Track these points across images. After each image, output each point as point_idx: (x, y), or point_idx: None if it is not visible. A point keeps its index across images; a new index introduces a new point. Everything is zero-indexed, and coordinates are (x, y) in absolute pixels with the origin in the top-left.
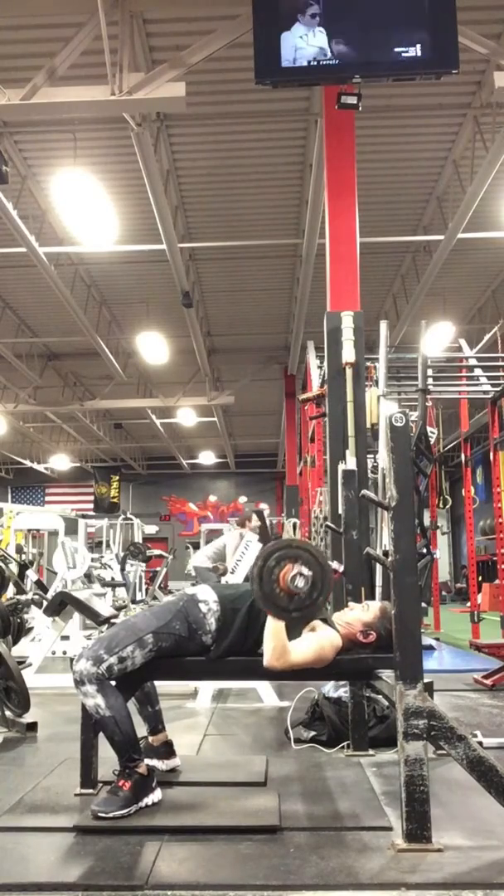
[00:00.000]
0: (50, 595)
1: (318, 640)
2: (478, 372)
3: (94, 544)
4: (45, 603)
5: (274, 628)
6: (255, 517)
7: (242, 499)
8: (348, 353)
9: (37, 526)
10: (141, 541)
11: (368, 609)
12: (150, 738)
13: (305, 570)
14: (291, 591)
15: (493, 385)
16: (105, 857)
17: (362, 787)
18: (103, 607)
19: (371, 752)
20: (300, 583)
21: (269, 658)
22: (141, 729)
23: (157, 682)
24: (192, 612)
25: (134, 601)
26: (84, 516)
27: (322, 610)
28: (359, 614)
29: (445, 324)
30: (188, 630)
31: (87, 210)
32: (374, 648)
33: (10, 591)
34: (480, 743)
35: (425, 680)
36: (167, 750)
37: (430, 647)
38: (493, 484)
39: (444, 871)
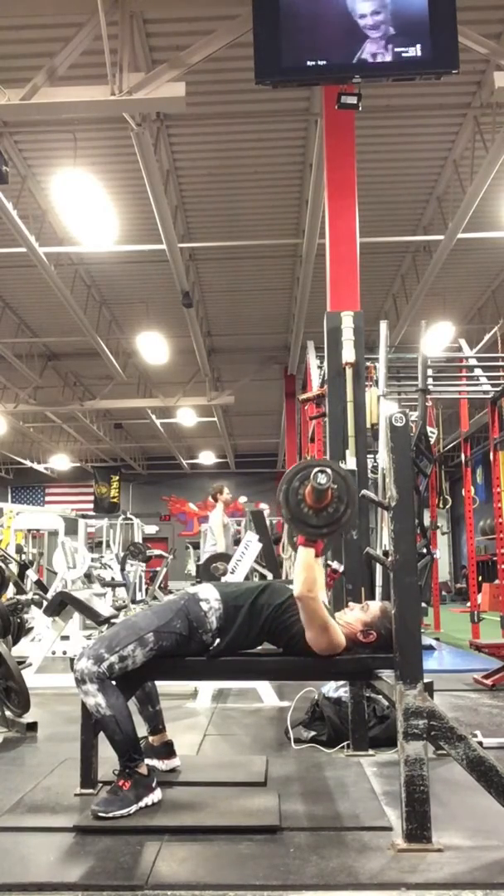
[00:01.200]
0: (50, 595)
1: (334, 622)
2: (478, 372)
3: (94, 544)
4: (45, 603)
5: (305, 559)
6: (225, 489)
7: (242, 499)
8: (348, 353)
9: (37, 526)
10: (141, 541)
11: (368, 609)
12: (151, 738)
13: (329, 470)
14: (318, 505)
15: (492, 385)
16: (105, 858)
17: (362, 787)
18: (103, 607)
19: (371, 752)
20: (322, 479)
21: (300, 588)
22: (141, 729)
23: (157, 682)
24: (194, 611)
25: (134, 601)
26: (84, 516)
27: (351, 526)
28: (359, 614)
29: (445, 324)
30: (189, 629)
31: (86, 210)
32: (375, 648)
33: (11, 591)
34: (480, 743)
35: (425, 680)
36: (167, 750)
37: (430, 647)
38: (493, 484)
39: (445, 871)
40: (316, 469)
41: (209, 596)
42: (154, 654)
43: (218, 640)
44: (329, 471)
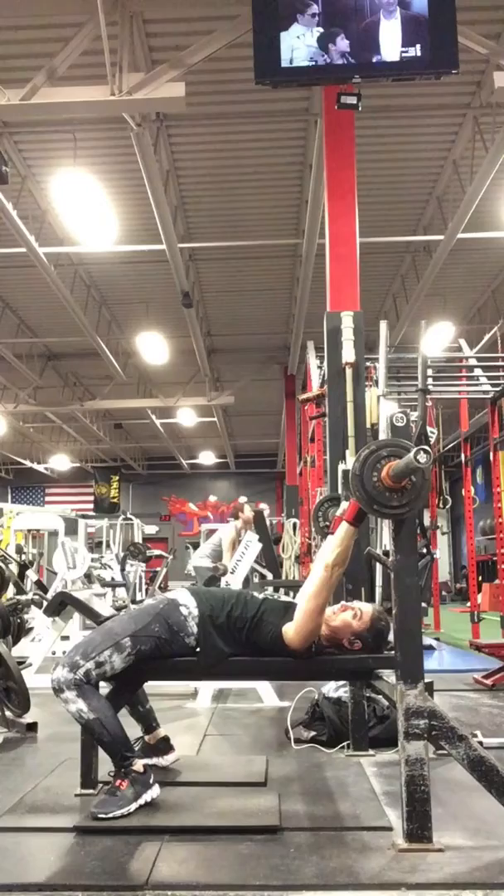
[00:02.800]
0: (50, 595)
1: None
2: (477, 372)
3: (94, 544)
4: (45, 603)
5: (347, 536)
6: (246, 507)
7: (242, 499)
8: (348, 353)
9: (37, 526)
10: (141, 541)
11: (361, 617)
12: (147, 737)
13: (429, 450)
14: (394, 484)
15: (492, 385)
16: (105, 858)
17: (362, 787)
18: (103, 607)
19: (371, 752)
20: (423, 458)
21: (332, 560)
22: (136, 730)
23: (156, 682)
24: (174, 616)
25: (134, 601)
26: (84, 516)
27: (416, 517)
28: (349, 620)
29: (445, 324)
30: (170, 632)
31: (86, 210)
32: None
33: (11, 591)
34: (480, 743)
35: (425, 680)
36: (165, 746)
37: (430, 647)
38: (492, 484)
39: (445, 871)
40: (419, 447)
41: (188, 603)
42: (133, 658)
43: (201, 648)
44: (430, 452)
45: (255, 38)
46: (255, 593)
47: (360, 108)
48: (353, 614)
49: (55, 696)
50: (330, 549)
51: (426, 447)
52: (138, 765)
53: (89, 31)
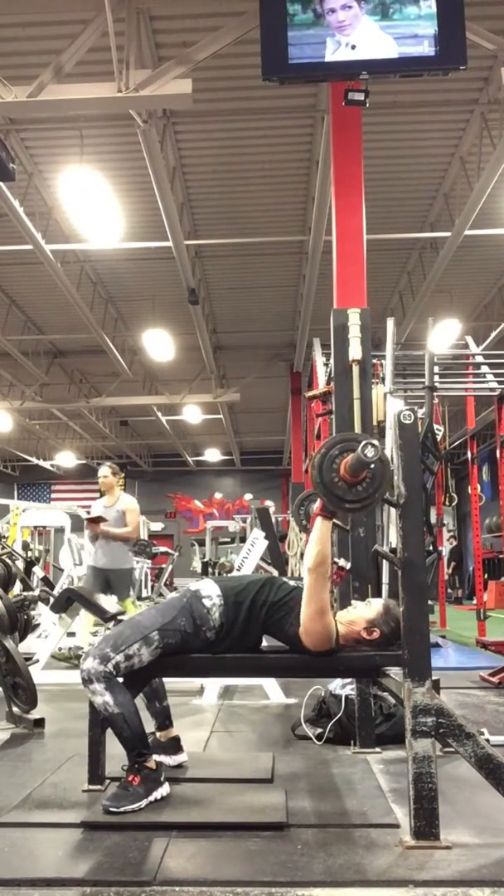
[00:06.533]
0: (56, 592)
1: (330, 613)
2: (484, 369)
3: None
4: (51, 600)
5: (321, 533)
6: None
7: (248, 496)
8: (355, 351)
9: (43, 523)
10: (146, 538)
11: (371, 606)
12: (158, 734)
13: (377, 445)
14: (353, 479)
15: (499, 382)
16: (113, 853)
17: (369, 784)
18: (110, 604)
19: (378, 749)
20: (370, 452)
21: (311, 562)
22: (148, 724)
23: (163, 679)
24: (197, 608)
25: (139, 598)
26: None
27: (377, 506)
28: (362, 611)
29: (452, 321)
30: (193, 626)
31: (93, 207)
32: (377, 645)
33: (17, 587)
34: (487, 741)
35: (432, 677)
36: (175, 745)
37: (437, 645)
38: (499, 482)
39: (452, 868)
40: (365, 441)
41: (211, 592)
42: (160, 651)
43: (219, 637)
44: (377, 446)
45: (262, 34)
46: (292, 581)
47: (367, 105)
48: (364, 605)
49: (83, 686)
50: (308, 552)
51: (373, 441)
52: (151, 762)
53: (96, 27)
